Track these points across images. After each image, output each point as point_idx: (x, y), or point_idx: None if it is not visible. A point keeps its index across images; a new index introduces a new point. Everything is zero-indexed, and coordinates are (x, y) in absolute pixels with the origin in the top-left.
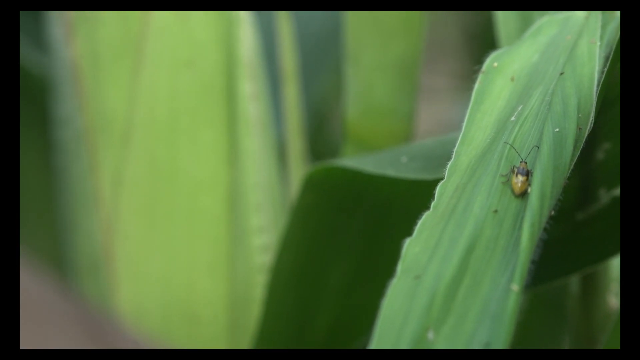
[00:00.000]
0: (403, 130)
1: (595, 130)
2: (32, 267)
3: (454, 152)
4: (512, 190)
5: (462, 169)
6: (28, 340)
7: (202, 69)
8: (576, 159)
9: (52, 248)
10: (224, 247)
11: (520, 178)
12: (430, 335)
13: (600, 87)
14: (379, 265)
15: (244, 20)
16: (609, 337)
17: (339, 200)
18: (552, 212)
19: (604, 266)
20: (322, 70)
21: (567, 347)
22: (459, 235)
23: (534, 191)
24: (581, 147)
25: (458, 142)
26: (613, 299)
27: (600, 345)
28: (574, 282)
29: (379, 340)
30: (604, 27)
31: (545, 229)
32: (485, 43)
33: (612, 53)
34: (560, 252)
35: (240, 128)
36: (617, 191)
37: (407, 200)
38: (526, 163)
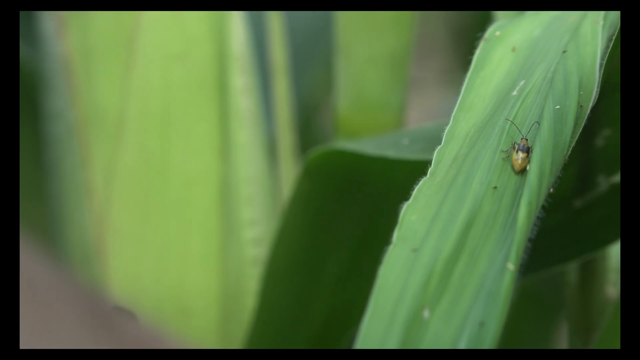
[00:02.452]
0: (393, 123)
1: (595, 116)
2: (35, 252)
3: (452, 117)
4: (512, 167)
5: (461, 137)
6: (30, 323)
7: (194, 63)
8: (577, 137)
9: (43, 242)
10: (216, 240)
11: (521, 155)
12: (426, 313)
13: (603, 66)
14: (377, 253)
15: (235, 14)
16: (607, 326)
17: (337, 187)
18: (551, 190)
19: (602, 256)
20: (313, 64)
21: (565, 337)
22: (458, 210)
23: (532, 169)
24: (582, 124)
25: (456, 107)
26: (611, 289)
27: (598, 335)
28: (572, 271)
29: (374, 313)
30: None
31: (544, 211)
32: (472, 39)
33: (615, 34)
34: (558, 239)
35: (231, 121)
36: (616, 178)
37: (407, 187)
38: (527, 140)
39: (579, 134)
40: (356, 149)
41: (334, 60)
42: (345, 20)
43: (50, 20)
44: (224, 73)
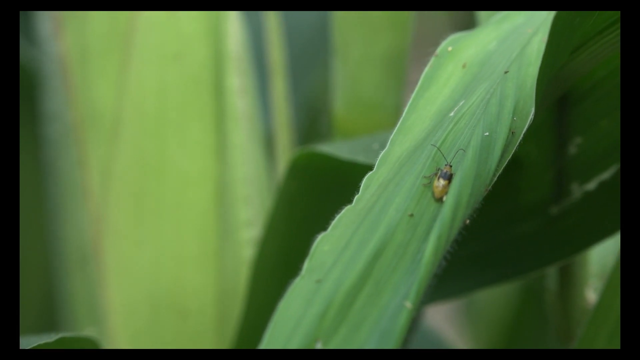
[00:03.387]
0: (390, 123)
1: (567, 124)
2: None
3: (389, 141)
4: (433, 194)
5: (392, 161)
6: None
7: (190, 63)
8: (504, 164)
9: (40, 242)
10: (212, 241)
11: (442, 182)
12: (318, 345)
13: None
14: None
15: (232, 14)
16: (585, 331)
17: (319, 188)
18: (467, 222)
19: (582, 262)
20: (315, 65)
21: (550, 341)
22: (369, 238)
23: (448, 201)
24: (513, 151)
25: (395, 129)
26: (591, 294)
27: (578, 339)
28: (552, 278)
29: (267, 344)
30: None
31: (516, 224)
32: None
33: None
34: (536, 245)
35: (228, 122)
36: (589, 185)
37: None
38: (451, 167)
39: (507, 161)
40: (330, 152)
41: (331, 60)
42: (342, 21)
43: (47, 21)
44: (220, 73)
